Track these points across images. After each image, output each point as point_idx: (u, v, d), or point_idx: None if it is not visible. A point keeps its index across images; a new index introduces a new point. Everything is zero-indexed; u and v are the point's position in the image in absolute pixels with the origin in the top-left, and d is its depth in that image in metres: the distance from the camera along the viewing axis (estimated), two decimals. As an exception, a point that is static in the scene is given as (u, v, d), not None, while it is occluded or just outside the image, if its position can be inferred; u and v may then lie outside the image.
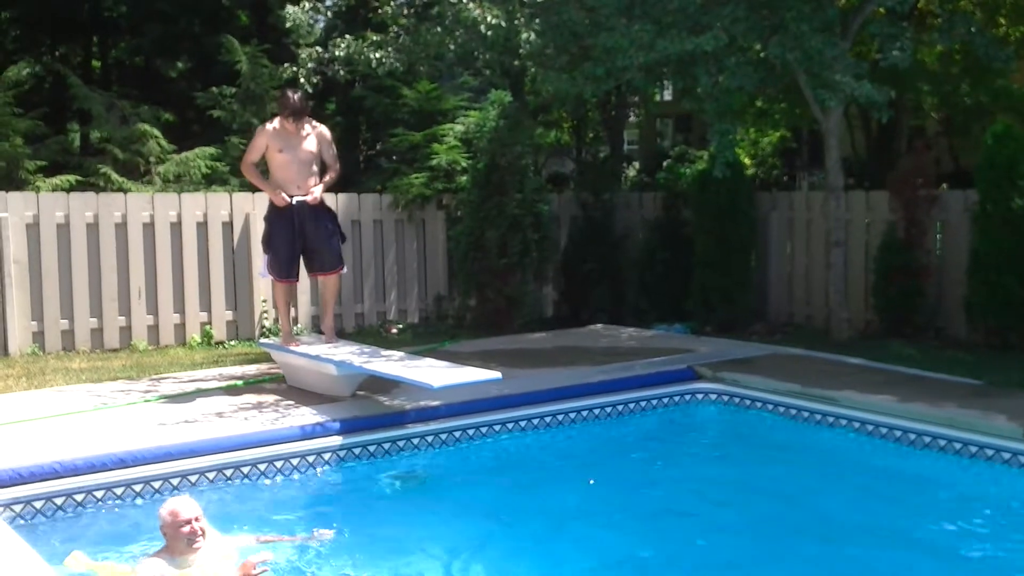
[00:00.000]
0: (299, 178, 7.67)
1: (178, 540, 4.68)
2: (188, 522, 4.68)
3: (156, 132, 12.32)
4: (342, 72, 10.70)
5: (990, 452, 6.42)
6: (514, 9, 9.40)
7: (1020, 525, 5.70)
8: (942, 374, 8.08)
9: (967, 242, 9.75)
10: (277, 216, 7.74)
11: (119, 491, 5.93)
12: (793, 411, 7.51)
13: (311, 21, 10.69)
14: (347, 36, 10.53)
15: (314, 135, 7.74)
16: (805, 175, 19.50)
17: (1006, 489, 6.15)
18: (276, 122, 7.71)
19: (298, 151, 7.64)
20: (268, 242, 7.88)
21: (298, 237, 7.73)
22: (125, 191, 11.17)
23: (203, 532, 4.72)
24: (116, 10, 18.26)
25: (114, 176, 11.73)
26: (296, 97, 7.64)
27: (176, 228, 10.72)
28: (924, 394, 7.27)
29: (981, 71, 12.49)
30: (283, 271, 7.85)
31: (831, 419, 7.26)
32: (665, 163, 12.99)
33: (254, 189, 11.59)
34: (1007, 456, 6.33)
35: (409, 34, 10.42)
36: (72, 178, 11.75)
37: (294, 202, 7.66)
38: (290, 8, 10.71)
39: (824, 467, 6.78)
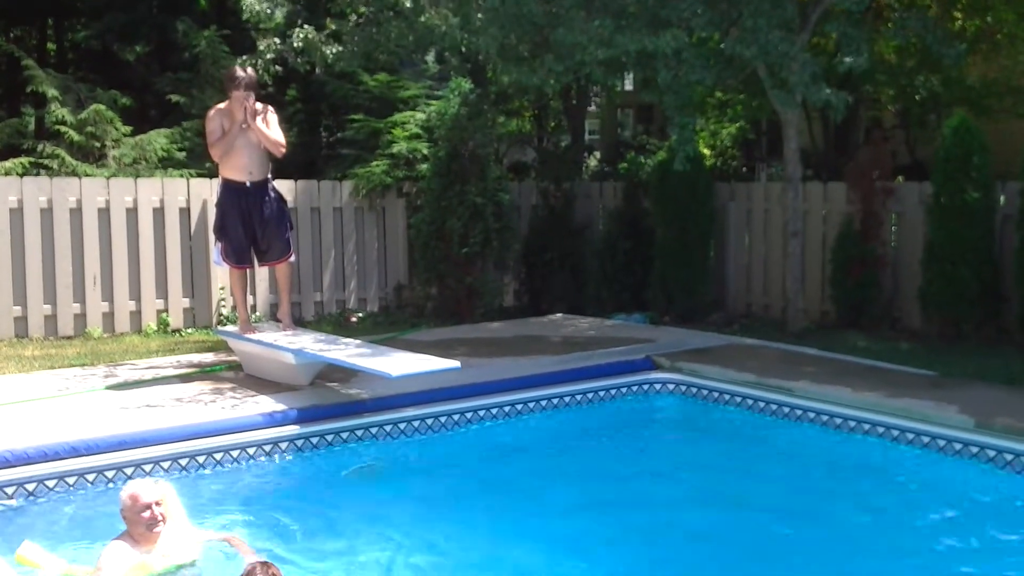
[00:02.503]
0: (251, 163, 7.58)
1: (138, 524, 4.66)
2: (148, 507, 4.65)
3: (112, 114, 12.16)
4: (300, 62, 10.61)
5: (942, 443, 6.51)
6: (471, 13, 9.33)
7: (970, 514, 5.79)
8: (897, 365, 8.18)
9: (922, 234, 9.87)
10: (230, 202, 7.65)
11: (72, 480, 5.87)
12: (750, 401, 7.57)
13: (268, 10, 10.54)
14: (305, 26, 10.43)
15: (265, 117, 7.62)
16: (764, 166, 19.62)
17: (958, 479, 6.24)
18: (225, 105, 7.61)
19: (249, 134, 7.53)
20: (221, 229, 7.77)
21: (251, 223, 7.67)
22: (79, 175, 11.02)
23: (163, 517, 4.69)
24: (73, -8, 17.99)
25: (68, 159, 11.57)
26: (247, 71, 7.57)
27: (132, 213, 10.59)
28: (879, 384, 7.35)
29: (936, 63, 12.64)
30: (237, 258, 7.78)
31: (787, 409, 7.33)
32: (628, 155, 13.03)
33: (212, 174, 11.52)
34: (959, 447, 6.42)
35: (368, 24, 10.34)
36: (26, 161, 11.57)
37: (248, 185, 7.59)
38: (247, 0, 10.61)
39: (780, 457, 6.84)
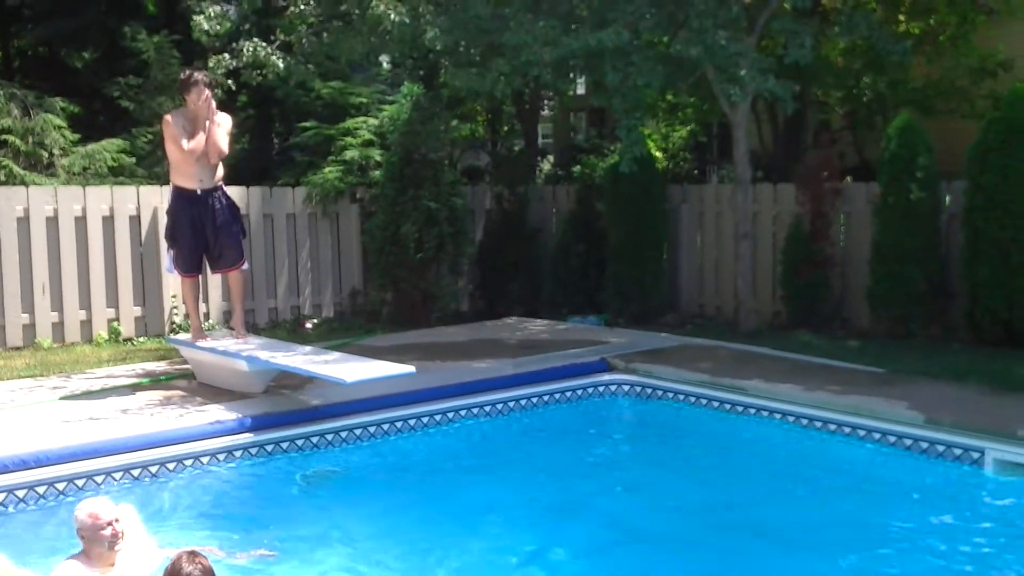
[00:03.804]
0: (201, 170, 7.54)
1: (98, 543, 4.49)
2: (109, 524, 4.49)
3: (59, 122, 12.00)
4: (253, 74, 10.54)
5: (892, 438, 6.62)
6: (420, 7, 9.34)
7: (919, 509, 5.88)
8: (847, 363, 8.30)
9: (870, 234, 10.00)
10: (181, 209, 7.60)
11: (21, 493, 5.79)
12: (703, 400, 7.65)
13: (217, 27, 10.46)
14: (255, 39, 10.38)
15: (216, 123, 7.58)
16: (715, 168, 19.78)
17: (909, 474, 6.33)
18: (173, 112, 7.56)
19: (201, 140, 7.48)
20: (172, 236, 7.72)
21: (203, 230, 7.62)
22: (27, 184, 10.87)
23: (123, 534, 4.58)
24: (18, -3, 17.71)
25: (15, 169, 11.39)
26: (200, 74, 7.54)
27: (81, 222, 10.46)
28: (829, 382, 7.46)
29: (881, 65, 12.83)
30: (189, 265, 7.73)
31: (740, 408, 7.42)
32: (582, 158, 13.09)
33: (162, 182, 11.40)
34: (908, 442, 6.53)
35: (316, 36, 10.31)
36: (-29, 171, 11.38)
37: (199, 192, 7.54)
38: (196, 18, 10.53)
39: (733, 455, 6.91)
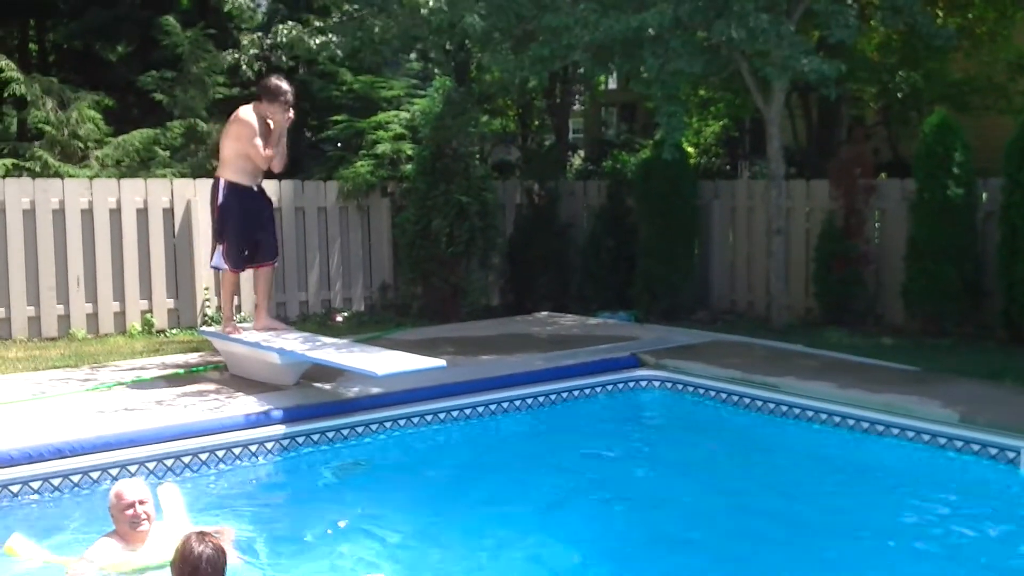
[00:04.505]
0: (259, 170, 7.63)
1: (121, 522, 4.66)
2: (131, 505, 4.63)
3: (94, 114, 12.10)
4: (284, 58, 10.58)
5: (927, 437, 6.55)
6: None
7: (954, 508, 5.82)
8: (880, 360, 8.22)
9: (905, 230, 9.91)
10: (240, 205, 7.58)
11: (56, 482, 5.84)
12: (735, 397, 7.60)
13: (252, 5, 10.51)
14: (289, 22, 10.41)
15: (274, 126, 7.63)
16: (747, 164, 19.67)
17: (942, 473, 6.28)
18: (253, 108, 7.53)
19: (267, 142, 7.54)
20: (226, 232, 7.64)
21: (255, 226, 7.68)
22: (62, 175, 10.97)
23: (148, 517, 4.68)
24: (54, -8, 17.89)
25: (51, 160, 11.51)
26: (291, 90, 7.55)
27: (115, 214, 10.55)
28: (862, 380, 7.39)
29: (916, 60, 12.71)
30: (240, 260, 7.72)
31: (772, 405, 7.36)
32: (613, 153, 13.05)
33: (195, 175, 11.48)
34: (943, 441, 6.46)
35: (352, 21, 10.32)
36: (8, 162, 11.52)
37: (255, 189, 7.63)
38: None
39: (765, 452, 6.87)
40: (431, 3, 9.28)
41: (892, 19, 9.93)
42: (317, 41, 10.04)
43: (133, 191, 10.67)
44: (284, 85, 7.53)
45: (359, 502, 5.91)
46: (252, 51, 10.24)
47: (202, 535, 4.02)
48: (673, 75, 9.11)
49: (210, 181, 11.02)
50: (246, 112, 7.53)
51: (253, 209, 7.66)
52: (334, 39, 10.08)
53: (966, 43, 12.92)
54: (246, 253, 7.73)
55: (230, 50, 10.76)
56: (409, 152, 11.88)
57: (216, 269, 8.38)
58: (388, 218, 11.92)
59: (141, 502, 4.67)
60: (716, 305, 11.52)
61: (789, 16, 9.62)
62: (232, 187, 7.57)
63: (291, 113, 7.58)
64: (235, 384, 7.39)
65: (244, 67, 10.15)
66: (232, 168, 7.56)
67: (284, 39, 10.09)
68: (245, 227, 7.64)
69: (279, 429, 6.60)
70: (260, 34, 10.42)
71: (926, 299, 9.56)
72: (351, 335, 9.03)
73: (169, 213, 10.81)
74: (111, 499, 4.70)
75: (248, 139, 7.46)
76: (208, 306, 10.87)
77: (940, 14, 13.09)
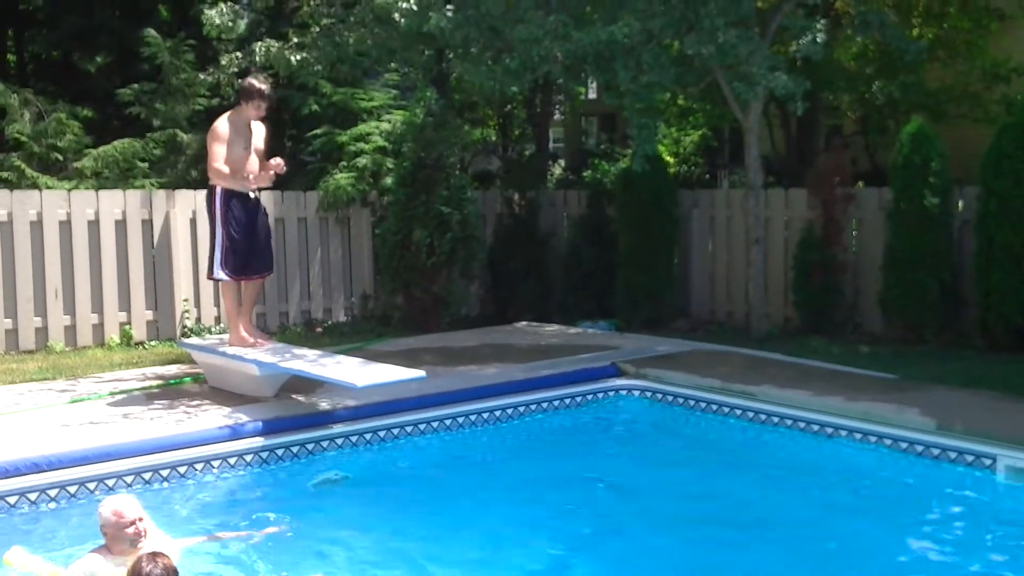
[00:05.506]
0: (245, 176, 7.53)
1: (120, 541, 4.62)
2: (133, 523, 4.63)
3: (74, 123, 12.05)
4: (265, 75, 10.58)
5: (904, 445, 6.59)
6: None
7: (932, 515, 5.86)
8: (858, 368, 8.27)
9: (882, 239, 9.98)
10: (238, 214, 7.52)
11: (33, 496, 5.80)
12: (714, 406, 7.62)
13: (229, 23, 10.46)
14: (267, 39, 10.41)
15: (258, 128, 7.62)
16: (726, 173, 19.78)
17: (920, 480, 6.31)
18: (228, 116, 7.50)
19: (251, 145, 7.51)
20: (227, 240, 7.53)
21: (254, 234, 7.62)
22: (40, 187, 10.91)
23: (145, 532, 4.67)
24: (32, 2, 17.79)
25: (29, 171, 11.45)
26: (267, 86, 7.53)
27: (94, 226, 10.49)
28: (840, 388, 7.42)
29: (893, 70, 12.81)
30: (240, 269, 7.64)
31: (751, 414, 7.39)
32: (593, 162, 13.10)
33: (174, 186, 11.45)
34: (920, 448, 6.50)
35: (328, 35, 10.33)
36: (-15, 174, 11.46)
37: (251, 196, 7.58)
38: (208, 12, 10.56)
39: (744, 460, 6.90)
40: (402, 5, 9.27)
41: (864, 31, 10.04)
42: (297, 58, 10.04)
43: (112, 202, 10.62)
44: (257, 83, 7.52)
45: (338, 514, 5.89)
46: (231, 70, 10.24)
47: (153, 555, 4.05)
48: (646, 87, 9.15)
49: (189, 192, 11.08)
50: (220, 120, 7.54)
51: (252, 216, 7.61)
52: (313, 55, 10.09)
53: (942, 53, 13.05)
54: (241, 261, 7.63)
55: (209, 69, 10.74)
56: (390, 165, 11.87)
57: (215, 280, 8.23)
58: (369, 229, 11.91)
59: (140, 519, 4.67)
60: (696, 314, 11.55)
61: (764, 32, 9.70)
62: (227, 194, 7.51)
63: (265, 106, 7.49)
64: (214, 396, 7.36)
65: (223, 85, 10.14)
66: (228, 178, 7.49)
67: (261, 58, 10.08)
68: (247, 233, 7.57)
69: (258, 441, 6.58)
70: (239, 54, 10.40)
71: (904, 307, 9.62)
72: (331, 346, 9.02)
73: (148, 224, 10.77)
74: (107, 517, 4.64)
75: (209, 144, 7.44)
76: (187, 318, 10.83)
77: (916, 23, 13.22)
